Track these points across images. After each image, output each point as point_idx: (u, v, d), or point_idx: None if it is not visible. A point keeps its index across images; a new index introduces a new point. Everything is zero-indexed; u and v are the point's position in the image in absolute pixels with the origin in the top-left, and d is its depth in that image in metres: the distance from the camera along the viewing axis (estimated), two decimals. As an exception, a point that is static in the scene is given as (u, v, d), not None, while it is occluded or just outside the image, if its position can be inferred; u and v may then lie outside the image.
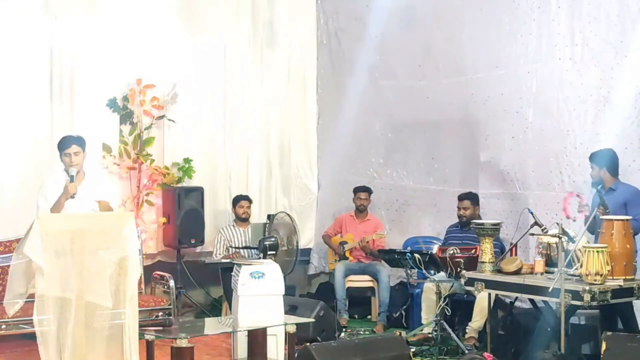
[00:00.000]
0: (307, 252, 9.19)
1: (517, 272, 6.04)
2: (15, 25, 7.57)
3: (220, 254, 8.36)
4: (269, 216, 7.98)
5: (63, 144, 5.94)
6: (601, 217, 5.83)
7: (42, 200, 5.80)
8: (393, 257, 7.34)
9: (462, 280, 6.30)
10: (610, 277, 5.52)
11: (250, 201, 8.64)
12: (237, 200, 8.61)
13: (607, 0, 6.74)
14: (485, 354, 6.11)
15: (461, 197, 7.61)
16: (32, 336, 4.95)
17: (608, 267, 5.46)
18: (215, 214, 8.89)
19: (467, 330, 7.14)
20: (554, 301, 5.70)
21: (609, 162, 6.23)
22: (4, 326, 6.33)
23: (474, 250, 6.83)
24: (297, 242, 8.05)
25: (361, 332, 7.78)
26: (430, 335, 7.07)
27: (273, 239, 7.21)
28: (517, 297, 6.54)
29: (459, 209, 7.57)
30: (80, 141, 5.98)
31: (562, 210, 6.29)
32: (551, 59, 7.15)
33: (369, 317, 8.48)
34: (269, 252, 6.76)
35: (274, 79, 9.40)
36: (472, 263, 6.60)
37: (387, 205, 8.91)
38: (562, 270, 5.43)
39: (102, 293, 4.84)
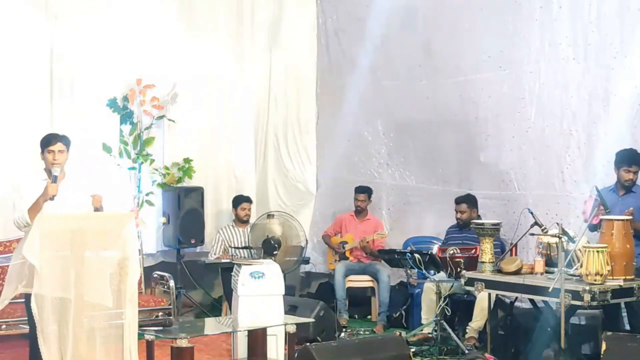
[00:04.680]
0: (307, 251, 9.17)
1: (517, 272, 6.04)
2: (16, 25, 7.57)
3: (216, 254, 8.37)
4: (268, 216, 7.99)
5: (47, 141, 5.58)
6: (601, 217, 5.83)
7: (19, 199, 5.43)
8: (393, 257, 7.34)
9: (462, 280, 6.30)
10: (610, 277, 5.52)
11: (251, 202, 8.65)
12: (239, 202, 8.60)
13: (608, 0, 6.74)
14: (487, 355, 6.14)
15: (458, 201, 7.61)
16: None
17: (608, 267, 5.46)
18: (215, 214, 8.90)
19: (467, 330, 7.14)
20: (554, 301, 5.69)
21: None
22: (4, 326, 6.35)
23: (474, 250, 6.83)
24: (306, 241, 8.08)
25: (361, 332, 7.77)
26: (430, 335, 7.06)
27: (277, 239, 7.23)
28: (517, 297, 6.53)
29: (457, 212, 7.59)
30: (65, 140, 5.64)
31: (582, 213, 6.20)
32: (553, 59, 7.14)
33: (369, 317, 8.48)
34: (274, 252, 6.78)
35: (273, 79, 9.41)
36: (472, 263, 6.60)
37: (387, 205, 8.91)
38: (562, 270, 5.43)
39: (102, 293, 4.83)
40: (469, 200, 7.58)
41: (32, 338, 4.89)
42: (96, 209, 5.50)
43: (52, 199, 5.36)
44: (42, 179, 5.52)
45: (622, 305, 6.10)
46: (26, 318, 5.18)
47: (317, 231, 9.22)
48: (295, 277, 9.03)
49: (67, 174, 5.62)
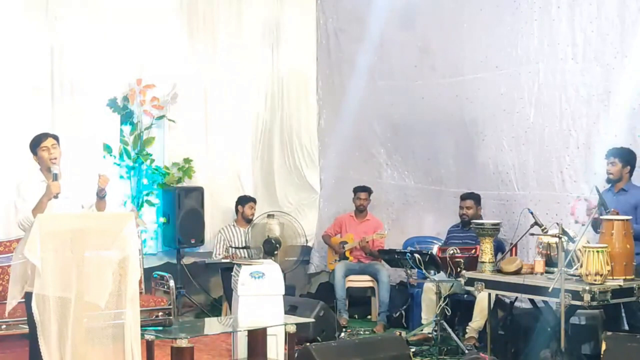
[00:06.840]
0: (307, 251, 9.19)
1: (517, 272, 6.04)
2: (16, 25, 7.57)
3: (220, 254, 8.37)
4: (268, 215, 7.99)
5: (38, 140, 5.51)
6: (601, 217, 5.83)
7: (21, 201, 5.38)
8: (393, 257, 7.34)
9: (462, 280, 6.30)
10: (610, 277, 5.52)
11: (255, 202, 8.66)
12: (245, 201, 8.60)
13: (607, 0, 6.74)
14: (481, 354, 6.15)
15: (464, 197, 7.62)
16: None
17: (608, 267, 5.46)
18: (215, 214, 8.89)
19: (467, 330, 7.14)
20: (554, 301, 5.69)
21: (632, 162, 6.21)
22: (4, 326, 6.34)
23: (474, 250, 6.83)
24: (306, 240, 8.07)
25: (361, 332, 7.77)
26: (430, 335, 7.07)
27: (277, 239, 7.21)
28: (517, 297, 6.53)
29: (462, 208, 7.59)
30: (54, 136, 5.56)
31: (570, 214, 6.22)
32: (552, 59, 7.14)
33: (369, 317, 8.49)
34: (274, 252, 6.78)
35: (274, 79, 9.41)
36: (472, 263, 6.60)
37: (387, 205, 8.92)
38: (562, 270, 5.43)
39: (102, 293, 4.84)
40: (475, 197, 7.58)
41: (32, 338, 4.90)
42: (101, 190, 5.42)
43: (56, 197, 5.32)
44: (40, 181, 5.47)
45: (622, 306, 6.11)
46: (26, 318, 5.18)
47: (319, 231, 9.22)
48: (295, 277, 9.03)
49: (63, 171, 5.54)
